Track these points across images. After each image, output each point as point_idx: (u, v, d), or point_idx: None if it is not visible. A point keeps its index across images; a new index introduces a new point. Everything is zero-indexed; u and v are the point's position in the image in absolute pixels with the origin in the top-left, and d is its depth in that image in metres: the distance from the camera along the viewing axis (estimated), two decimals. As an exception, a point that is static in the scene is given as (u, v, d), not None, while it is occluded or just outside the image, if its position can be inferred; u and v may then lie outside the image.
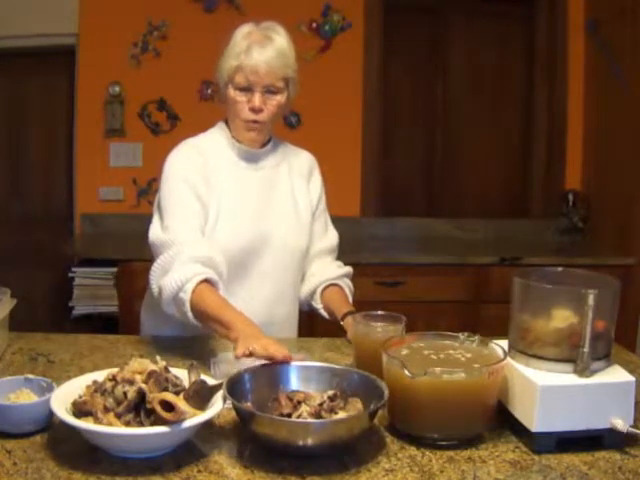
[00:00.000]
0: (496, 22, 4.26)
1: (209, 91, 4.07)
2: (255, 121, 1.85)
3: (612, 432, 1.23)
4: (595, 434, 1.24)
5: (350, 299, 1.99)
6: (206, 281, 1.68)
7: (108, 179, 4.11)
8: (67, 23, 3.98)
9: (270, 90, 1.83)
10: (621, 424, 1.22)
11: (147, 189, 4.12)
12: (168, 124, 4.11)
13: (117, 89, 4.06)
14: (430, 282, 3.52)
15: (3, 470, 1.12)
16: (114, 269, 3.54)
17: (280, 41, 1.84)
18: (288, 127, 4.01)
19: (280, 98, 1.85)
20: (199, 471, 1.15)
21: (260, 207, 1.91)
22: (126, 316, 3.51)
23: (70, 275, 3.61)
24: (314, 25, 4.03)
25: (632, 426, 1.23)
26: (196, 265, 1.69)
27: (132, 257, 3.52)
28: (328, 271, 2.02)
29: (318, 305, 1.99)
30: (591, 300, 1.21)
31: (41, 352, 1.72)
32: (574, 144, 4.18)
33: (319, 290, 1.99)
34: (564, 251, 3.88)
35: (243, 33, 1.87)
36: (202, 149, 1.93)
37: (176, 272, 1.68)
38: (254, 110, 1.83)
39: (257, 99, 1.82)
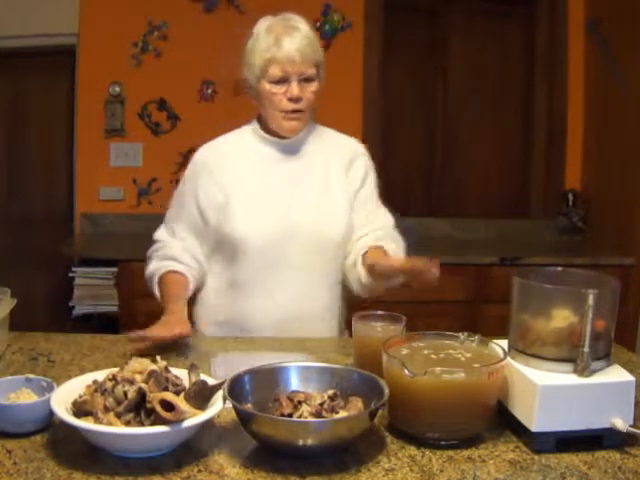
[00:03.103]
0: (496, 22, 4.26)
1: (209, 91, 4.07)
2: (295, 110, 1.86)
3: (612, 432, 1.23)
4: (595, 434, 1.24)
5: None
6: (171, 272, 1.94)
7: (108, 179, 4.11)
8: (67, 23, 3.98)
9: (305, 78, 1.84)
10: (621, 424, 1.22)
11: (147, 189, 4.13)
12: (168, 124, 4.11)
13: (117, 89, 4.06)
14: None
15: (3, 470, 1.12)
16: (114, 269, 3.54)
17: (305, 28, 1.86)
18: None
19: (315, 84, 1.87)
20: (199, 471, 1.15)
21: (286, 199, 1.92)
22: (126, 316, 3.51)
23: (70, 275, 3.61)
24: (314, 25, 4.03)
25: (632, 426, 1.23)
26: (167, 262, 1.96)
27: (132, 257, 3.52)
28: (365, 243, 1.94)
29: (362, 274, 1.90)
30: (591, 300, 1.21)
31: (41, 352, 1.72)
32: (574, 144, 4.18)
33: (359, 260, 1.91)
34: (564, 251, 3.88)
35: (265, 26, 1.87)
36: (220, 149, 1.99)
37: (150, 265, 2.00)
38: (293, 100, 1.84)
39: (295, 88, 1.83)
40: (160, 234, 2.04)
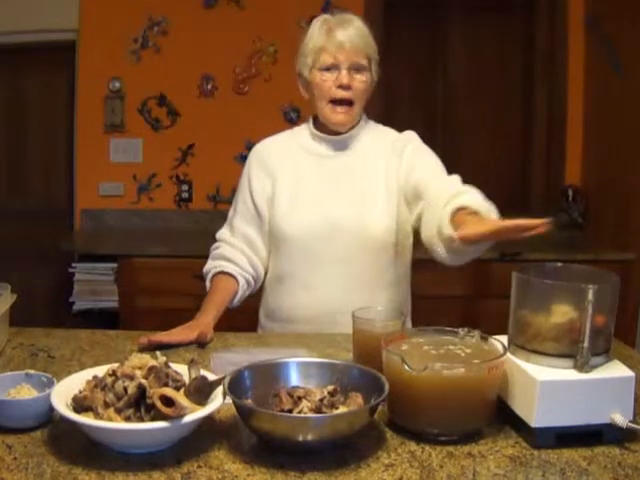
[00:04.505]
0: (496, 18, 4.25)
1: (209, 86, 4.07)
2: (344, 100, 1.88)
3: (611, 427, 1.23)
4: (595, 429, 1.24)
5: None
6: (222, 273, 1.97)
7: (108, 175, 4.11)
8: (67, 19, 3.98)
9: (355, 68, 1.87)
10: (620, 419, 1.22)
11: (147, 185, 4.13)
12: (168, 120, 4.11)
13: (117, 85, 4.06)
14: (430, 278, 3.49)
15: (4, 465, 1.12)
16: (114, 264, 3.55)
17: (358, 22, 1.92)
18: (288, 122, 4.01)
19: (366, 76, 1.89)
20: (199, 466, 1.15)
21: (330, 194, 1.94)
22: (126, 311, 3.52)
23: (70, 270, 3.62)
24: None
25: (631, 421, 1.23)
26: (220, 261, 2.00)
27: (132, 253, 3.53)
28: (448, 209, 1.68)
29: (448, 229, 1.64)
30: (591, 295, 1.21)
31: (41, 347, 1.72)
32: (574, 140, 4.18)
33: (448, 215, 1.66)
34: (564, 246, 3.87)
35: (320, 21, 1.95)
36: (273, 143, 2.07)
37: (206, 264, 2.03)
38: (342, 87, 1.86)
39: (344, 76, 1.86)
40: (220, 233, 2.08)
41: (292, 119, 4.03)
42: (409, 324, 2.03)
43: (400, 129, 2.10)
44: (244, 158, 4.02)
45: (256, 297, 2.09)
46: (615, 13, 3.77)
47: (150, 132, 4.12)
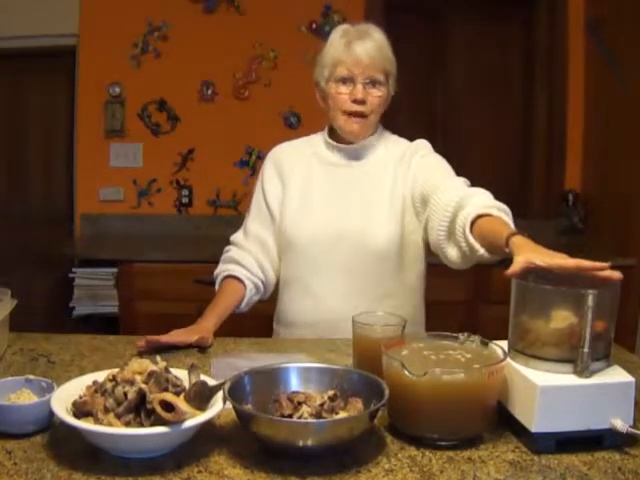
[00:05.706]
0: (496, 22, 4.26)
1: (209, 92, 4.08)
2: (357, 113, 1.88)
3: (612, 432, 1.23)
4: (595, 434, 1.24)
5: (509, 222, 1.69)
6: (230, 276, 1.97)
7: (108, 179, 4.11)
8: (67, 23, 3.99)
9: (371, 82, 1.87)
10: (621, 424, 1.22)
11: (147, 189, 4.13)
12: (168, 125, 4.11)
13: (117, 89, 4.07)
14: (430, 282, 3.51)
15: (3, 470, 1.12)
16: (114, 269, 3.55)
17: (378, 36, 1.91)
18: (288, 127, 4.02)
19: (382, 91, 1.90)
20: (199, 471, 1.15)
21: (338, 203, 1.94)
22: (126, 317, 3.52)
23: (70, 276, 3.62)
24: (314, 26, 4.03)
25: (632, 426, 1.23)
26: (229, 265, 2.00)
27: (132, 258, 3.53)
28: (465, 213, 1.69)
29: (471, 239, 1.66)
30: (591, 300, 1.21)
31: (42, 352, 1.72)
32: (574, 144, 4.19)
33: (467, 224, 1.67)
34: (564, 251, 3.86)
35: (340, 32, 1.92)
36: (288, 148, 2.08)
37: (218, 267, 2.04)
38: (357, 101, 1.87)
39: (359, 90, 1.86)
40: (234, 236, 2.08)
41: (292, 124, 4.03)
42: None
43: (400, 135, 2.10)
44: (244, 163, 4.07)
45: (267, 302, 2.09)
46: (615, 17, 3.78)
47: (150, 137, 4.13)
